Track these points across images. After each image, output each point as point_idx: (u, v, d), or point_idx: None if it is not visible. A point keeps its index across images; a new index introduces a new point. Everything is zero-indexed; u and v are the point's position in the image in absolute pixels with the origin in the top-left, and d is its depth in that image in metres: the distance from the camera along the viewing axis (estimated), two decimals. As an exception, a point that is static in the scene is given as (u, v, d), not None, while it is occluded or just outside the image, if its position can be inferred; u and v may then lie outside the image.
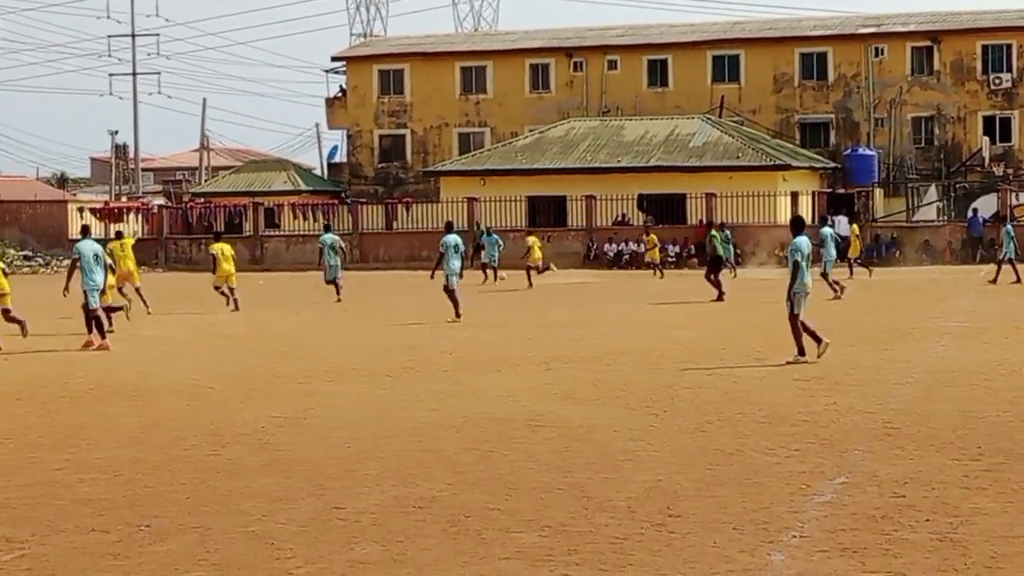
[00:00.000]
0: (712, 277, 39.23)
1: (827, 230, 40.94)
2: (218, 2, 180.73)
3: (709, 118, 71.99)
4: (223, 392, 19.60)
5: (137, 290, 33.65)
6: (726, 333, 27.81)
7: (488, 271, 49.71)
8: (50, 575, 9.94)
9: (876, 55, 75.40)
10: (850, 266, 49.53)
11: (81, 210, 70.99)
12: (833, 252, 40.36)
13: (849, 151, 73.07)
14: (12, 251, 67.99)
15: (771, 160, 66.68)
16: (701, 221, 63.39)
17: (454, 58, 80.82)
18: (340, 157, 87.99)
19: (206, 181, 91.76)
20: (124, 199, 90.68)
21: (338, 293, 39.01)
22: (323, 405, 18.11)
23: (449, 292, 31.67)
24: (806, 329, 21.94)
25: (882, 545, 10.29)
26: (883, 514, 11.26)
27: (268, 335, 29.10)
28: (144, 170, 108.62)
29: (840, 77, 75.75)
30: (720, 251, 40.87)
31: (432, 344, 26.12)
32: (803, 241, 22.20)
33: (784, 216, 64.78)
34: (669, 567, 9.77)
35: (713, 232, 41.77)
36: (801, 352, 21.78)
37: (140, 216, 72.40)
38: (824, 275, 37.81)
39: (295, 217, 70.15)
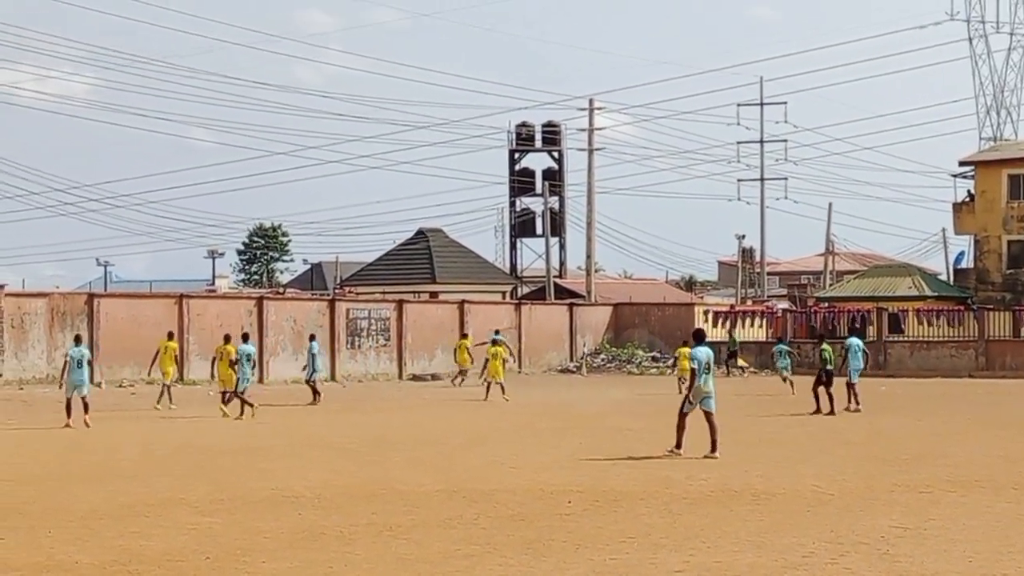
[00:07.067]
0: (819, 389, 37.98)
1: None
2: (845, 108, 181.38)
3: None
4: (843, 499, 19.53)
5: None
6: None
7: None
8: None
9: None
10: None
11: (706, 312, 72.47)
12: None
13: None
14: (640, 352, 70.13)
15: None
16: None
17: (1089, 161, 77.94)
18: (966, 263, 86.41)
19: (830, 285, 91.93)
20: (749, 302, 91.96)
21: None
22: (945, 516, 17.77)
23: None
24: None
25: None
26: None
27: (889, 441, 28.79)
28: (769, 274, 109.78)
29: None
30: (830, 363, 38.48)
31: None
32: (701, 351, 25.10)
33: None
34: None
35: (825, 345, 39.77)
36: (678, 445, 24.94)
37: (764, 319, 73.29)
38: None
39: (920, 323, 69.33)
